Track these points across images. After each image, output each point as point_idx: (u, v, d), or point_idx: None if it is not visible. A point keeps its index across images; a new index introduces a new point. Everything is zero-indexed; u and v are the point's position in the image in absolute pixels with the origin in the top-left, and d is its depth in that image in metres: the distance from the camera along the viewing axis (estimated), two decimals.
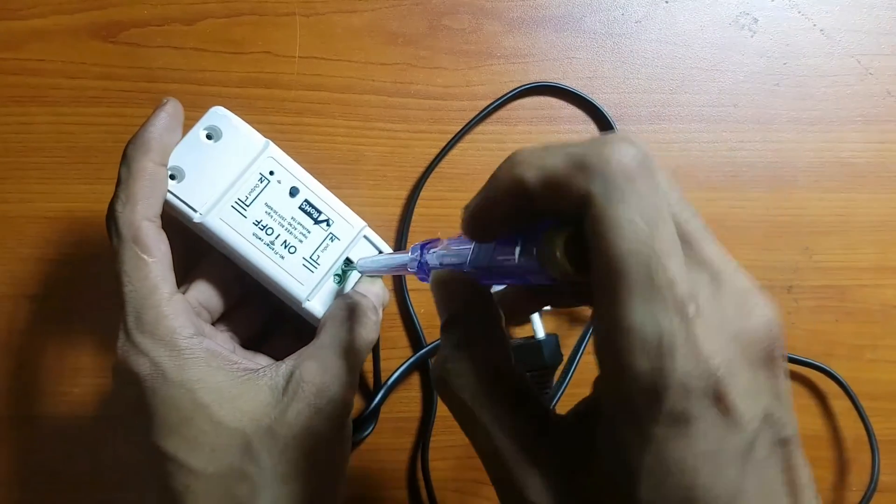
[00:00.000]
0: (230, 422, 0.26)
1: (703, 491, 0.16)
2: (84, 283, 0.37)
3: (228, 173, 0.30)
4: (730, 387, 0.16)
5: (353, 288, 0.32)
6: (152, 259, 0.27)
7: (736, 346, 0.17)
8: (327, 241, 0.31)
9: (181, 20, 0.37)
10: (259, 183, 0.30)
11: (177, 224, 0.30)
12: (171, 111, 0.29)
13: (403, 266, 0.26)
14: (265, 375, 0.27)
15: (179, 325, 0.26)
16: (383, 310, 0.33)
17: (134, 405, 0.27)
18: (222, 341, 0.30)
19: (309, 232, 0.31)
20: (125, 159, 0.28)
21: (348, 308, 0.30)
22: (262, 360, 0.31)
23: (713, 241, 0.18)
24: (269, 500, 0.26)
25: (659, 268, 0.16)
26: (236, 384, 0.26)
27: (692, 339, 0.16)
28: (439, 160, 0.38)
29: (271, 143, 0.31)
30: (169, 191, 0.29)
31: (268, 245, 0.30)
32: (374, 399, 0.35)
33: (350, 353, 0.29)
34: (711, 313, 0.17)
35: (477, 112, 0.38)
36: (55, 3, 0.37)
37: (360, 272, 0.31)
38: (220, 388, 0.26)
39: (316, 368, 0.27)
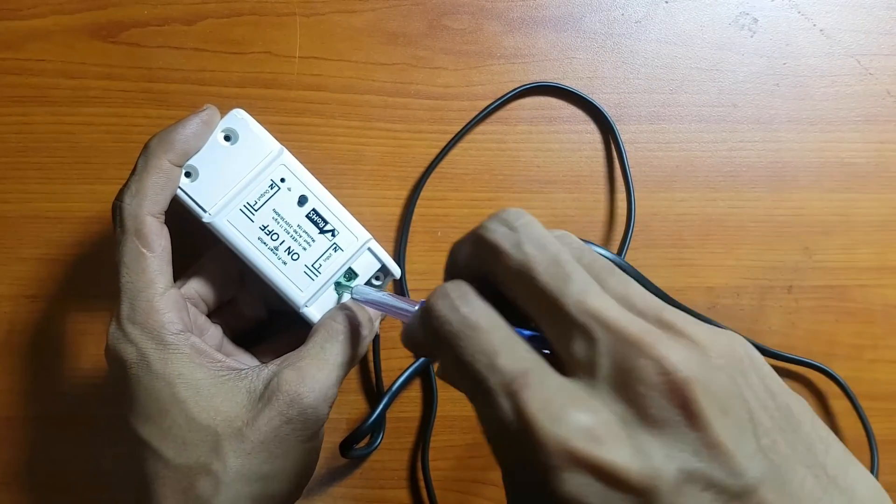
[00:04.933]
0: (203, 419, 0.27)
1: None
2: (84, 283, 0.37)
3: (241, 176, 0.31)
4: (597, 452, 0.16)
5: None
6: (151, 254, 0.28)
7: (610, 404, 0.16)
8: (330, 250, 0.32)
9: (181, 20, 0.37)
10: (269, 189, 0.31)
11: (183, 215, 0.31)
12: (205, 119, 0.30)
13: (399, 310, 0.26)
14: (246, 378, 0.28)
15: (168, 321, 0.28)
16: (381, 321, 0.34)
17: (119, 388, 0.28)
18: (212, 335, 0.31)
19: (313, 240, 0.32)
20: (145, 151, 0.29)
21: (341, 320, 0.31)
22: (246, 359, 0.32)
23: (602, 295, 0.18)
24: (229, 499, 0.27)
25: (476, 363, 0.18)
26: (216, 383, 0.27)
27: (525, 419, 0.16)
28: (439, 160, 0.38)
29: (285, 150, 0.31)
30: (182, 189, 0.30)
31: (271, 250, 0.31)
32: (377, 407, 0.35)
33: (333, 366, 0.29)
34: (555, 380, 0.17)
35: (477, 112, 0.38)
36: (55, 2, 0.37)
37: (353, 297, 0.31)
38: (199, 385, 0.27)
39: (294, 378, 0.28)
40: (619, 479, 0.16)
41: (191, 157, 0.30)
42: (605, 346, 0.17)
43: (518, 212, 0.19)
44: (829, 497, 0.16)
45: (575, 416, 0.16)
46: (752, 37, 0.39)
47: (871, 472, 0.38)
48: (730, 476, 0.16)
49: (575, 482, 0.16)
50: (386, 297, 0.28)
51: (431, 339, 0.19)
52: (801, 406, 0.18)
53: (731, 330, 0.19)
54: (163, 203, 0.29)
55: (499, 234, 0.19)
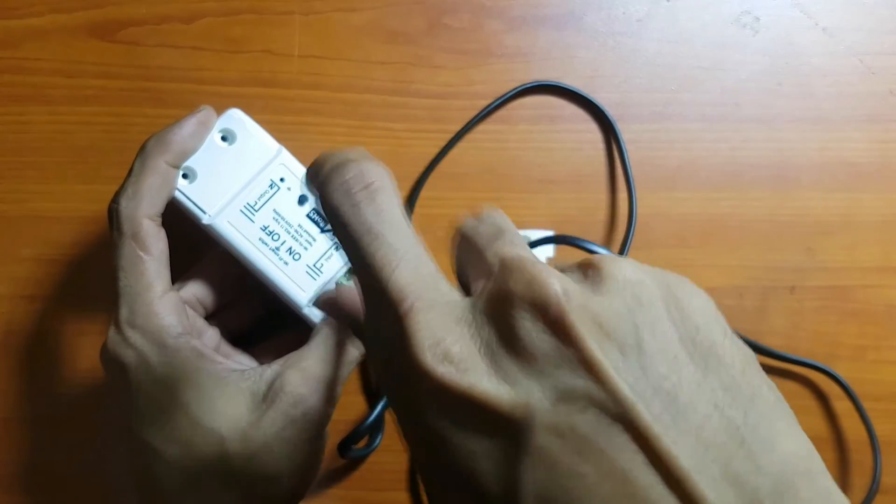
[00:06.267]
0: (207, 421, 0.27)
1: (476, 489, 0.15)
2: (82, 283, 0.37)
3: (240, 177, 0.31)
4: (467, 370, 0.15)
5: None
6: (149, 257, 0.28)
7: (483, 328, 0.16)
8: (332, 250, 0.32)
9: (179, 19, 0.37)
10: (269, 189, 0.31)
11: (181, 218, 0.30)
12: (202, 119, 0.30)
13: None
14: (248, 379, 0.28)
15: (168, 324, 0.27)
16: None
17: (119, 393, 0.28)
18: (210, 337, 0.31)
19: (315, 240, 0.31)
20: (142, 153, 0.29)
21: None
22: (244, 360, 0.32)
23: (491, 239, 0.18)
24: (234, 500, 0.27)
25: (374, 279, 0.17)
26: (218, 385, 0.27)
27: (407, 335, 0.16)
28: (440, 159, 0.38)
29: (284, 150, 0.31)
30: (180, 191, 0.30)
31: (273, 250, 0.31)
32: (375, 408, 0.35)
33: (336, 365, 0.29)
34: (444, 305, 0.16)
35: (477, 111, 0.38)
36: (53, 1, 0.37)
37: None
38: (202, 387, 0.27)
39: (297, 378, 0.28)
40: (487, 405, 0.15)
41: (188, 159, 0.30)
42: (495, 274, 0.17)
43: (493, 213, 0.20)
44: (733, 444, 0.14)
45: (447, 343, 0.16)
46: (754, 35, 0.39)
47: (874, 473, 0.38)
48: (607, 397, 0.14)
49: (441, 411, 0.15)
50: None
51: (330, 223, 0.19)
52: (738, 353, 0.16)
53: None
54: (160, 205, 0.29)
55: (467, 223, 0.20)
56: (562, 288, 0.16)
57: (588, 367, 0.15)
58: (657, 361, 0.15)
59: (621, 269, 0.16)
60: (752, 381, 0.16)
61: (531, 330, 0.15)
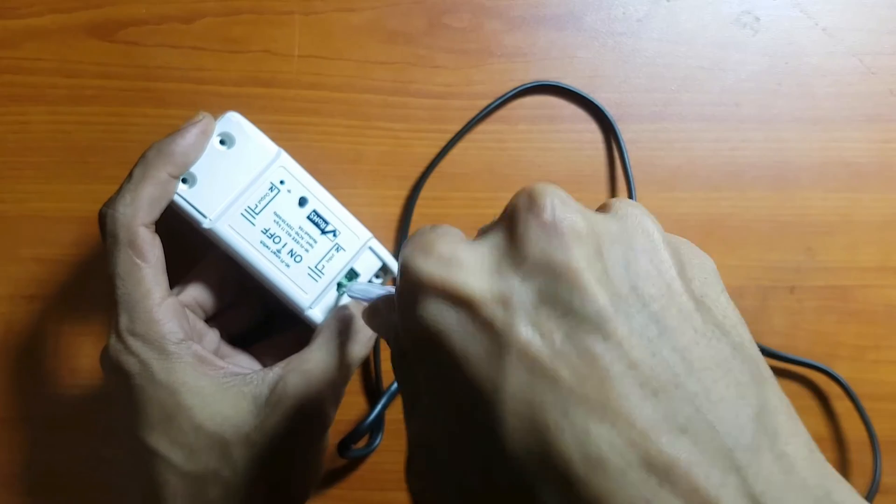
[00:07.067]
0: (210, 426, 0.27)
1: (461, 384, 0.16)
2: (81, 283, 0.37)
3: (239, 181, 0.30)
4: (452, 276, 0.16)
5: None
6: (146, 264, 0.28)
7: (496, 239, 0.17)
8: (333, 251, 0.32)
9: (179, 19, 0.37)
10: (269, 192, 0.31)
11: (178, 221, 0.30)
12: (203, 128, 0.30)
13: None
14: (251, 383, 0.28)
15: (169, 331, 0.27)
16: None
17: (122, 400, 0.28)
18: (210, 339, 0.31)
19: (315, 242, 0.31)
20: (144, 161, 0.28)
21: (343, 321, 0.30)
22: (244, 360, 0.32)
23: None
24: (239, 503, 0.27)
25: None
26: (220, 390, 0.27)
27: (407, 244, 0.18)
28: (439, 160, 0.37)
29: (283, 152, 0.31)
30: (180, 195, 0.30)
31: (274, 253, 0.31)
32: (375, 408, 0.35)
33: (337, 368, 0.29)
34: (457, 238, 0.18)
35: (477, 111, 0.37)
36: (52, 1, 0.37)
37: (350, 296, 0.31)
38: (204, 392, 0.27)
39: (299, 382, 0.28)
40: (473, 300, 0.16)
41: (188, 168, 0.29)
42: (513, 200, 0.18)
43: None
44: (720, 371, 0.15)
45: (441, 247, 0.17)
46: (754, 35, 0.39)
47: (873, 473, 0.38)
48: (587, 306, 0.15)
49: (432, 306, 0.16)
50: (379, 288, 0.28)
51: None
52: (731, 311, 0.17)
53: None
54: (156, 213, 0.28)
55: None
56: (560, 200, 0.17)
57: (572, 275, 0.15)
58: (648, 283, 0.16)
59: (631, 205, 0.17)
60: (743, 335, 0.16)
61: (529, 233, 0.16)
